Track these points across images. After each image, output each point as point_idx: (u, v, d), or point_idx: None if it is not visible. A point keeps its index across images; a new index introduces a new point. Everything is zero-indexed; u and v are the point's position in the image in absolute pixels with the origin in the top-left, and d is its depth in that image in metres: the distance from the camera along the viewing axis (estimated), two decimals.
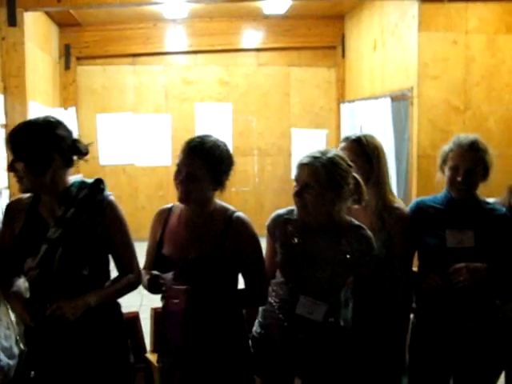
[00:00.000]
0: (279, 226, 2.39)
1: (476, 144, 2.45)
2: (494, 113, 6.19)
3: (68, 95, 7.55)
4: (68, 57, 7.49)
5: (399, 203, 2.58)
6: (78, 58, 7.62)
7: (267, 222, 2.43)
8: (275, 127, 8.17)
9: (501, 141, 6.14)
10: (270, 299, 2.43)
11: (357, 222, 2.36)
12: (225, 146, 2.30)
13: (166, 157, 7.88)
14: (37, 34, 6.55)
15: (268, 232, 2.42)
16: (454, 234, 2.43)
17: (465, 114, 6.27)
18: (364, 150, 2.56)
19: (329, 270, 2.30)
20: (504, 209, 2.55)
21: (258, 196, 8.21)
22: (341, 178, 2.24)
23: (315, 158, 2.25)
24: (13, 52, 5.51)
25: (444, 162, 2.52)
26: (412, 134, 6.32)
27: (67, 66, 7.49)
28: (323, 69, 8.12)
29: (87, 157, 2.23)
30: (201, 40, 7.79)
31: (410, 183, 6.33)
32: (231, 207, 2.35)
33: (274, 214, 2.44)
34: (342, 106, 7.93)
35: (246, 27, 7.81)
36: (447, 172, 2.49)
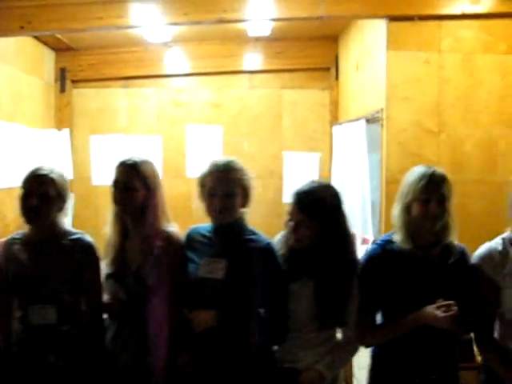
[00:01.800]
0: (6, 250, 2.52)
1: (231, 165, 2.33)
2: (471, 136, 5.83)
3: (63, 117, 7.77)
4: (63, 80, 7.73)
5: (172, 227, 2.50)
6: (74, 81, 7.84)
7: None
8: (267, 150, 8.03)
9: (479, 165, 5.79)
10: None
11: (78, 231, 2.60)
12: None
13: None
14: (23, 59, 6.83)
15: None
16: (207, 263, 2.29)
17: (439, 137, 5.93)
18: (140, 176, 2.52)
19: (53, 279, 2.44)
20: (267, 241, 2.36)
21: (248, 219, 8.05)
22: (67, 189, 2.63)
23: (50, 172, 2.57)
24: None
25: (202, 187, 2.40)
26: (382, 158, 6.03)
27: (62, 89, 7.74)
28: (316, 91, 7.93)
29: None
30: (192, 63, 7.82)
31: (381, 210, 6.04)
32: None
33: None
34: (333, 128, 7.72)
35: (238, 50, 7.78)
36: (206, 198, 2.36)
